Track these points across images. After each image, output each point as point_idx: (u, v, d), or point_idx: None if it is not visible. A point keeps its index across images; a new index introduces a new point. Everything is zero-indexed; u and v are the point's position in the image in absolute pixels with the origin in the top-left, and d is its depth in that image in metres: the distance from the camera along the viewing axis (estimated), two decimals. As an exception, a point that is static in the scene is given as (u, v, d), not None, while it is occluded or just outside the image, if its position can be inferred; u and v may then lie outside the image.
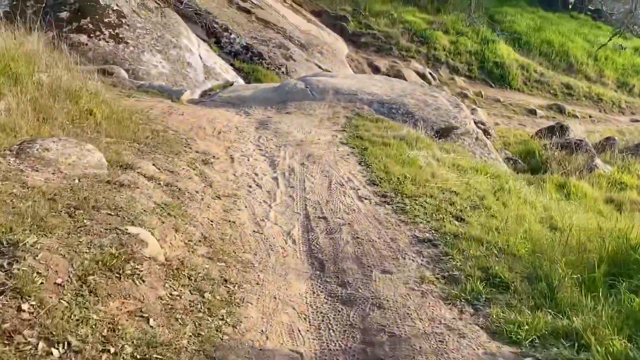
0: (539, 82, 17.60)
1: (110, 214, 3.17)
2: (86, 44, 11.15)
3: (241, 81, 12.94)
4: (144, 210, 3.46)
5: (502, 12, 20.82)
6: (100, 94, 6.52)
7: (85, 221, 2.98)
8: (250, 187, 5.12)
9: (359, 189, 5.12)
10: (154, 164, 4.70)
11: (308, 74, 10.12)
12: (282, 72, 14.42)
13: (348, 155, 6.31)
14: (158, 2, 13.40)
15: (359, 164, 5.95)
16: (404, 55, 17.00)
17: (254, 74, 13.76)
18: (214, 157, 5.83)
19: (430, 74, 16.48)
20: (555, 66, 18.62)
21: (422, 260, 3.70)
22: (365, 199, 4.89)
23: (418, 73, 16.38)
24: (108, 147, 4.62)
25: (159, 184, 4.23)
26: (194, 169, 5.08)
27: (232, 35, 14.50)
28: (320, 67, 15.15)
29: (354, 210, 4.60)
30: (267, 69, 14.26)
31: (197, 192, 4.46)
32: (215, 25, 14.49)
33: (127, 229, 2.99)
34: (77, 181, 3.57)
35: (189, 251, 3.34)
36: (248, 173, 5.54)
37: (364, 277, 3.47)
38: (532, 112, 16.13)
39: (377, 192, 5.06)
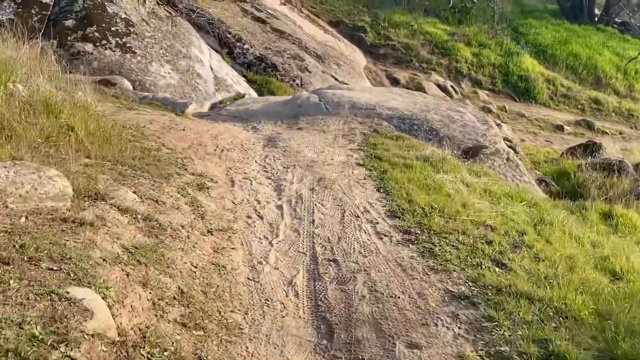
0: (566, 96, 16.63)
1: (51, 269, 2.38)
2: (91, 53, 10.51)
3: (253, 93, 12.22)
4: (103, 260, 2.67)
5: (527, 24, 19.91)
6: (90, 107, 5.79)
7: (10, 282, 2.19)
8: (249, 217, 4.32)
9: (378, 223, 4.28)
10: (135, 191, 3.92)
11: (323, 87, 9.34)
12: (297, 84, 13.68)
13: (365, 179, 5.48)
14: (169, 10, 12.77)
15: (378, 190, 5.12)
16: (424, 68, 16.17)
17: (266, 85, 13.04)
18: (211, 180, 5.05)
19: (451, 86, 15.61)
20: (583, 80, 17.63)
21: (459, 328, 2.85)
22: (385, 235, 4.05)
23: (439, 86, 15.53)
24: (81, 172, 3.86)
25: (136, 217, 3.45)
26: (184, 196, 4.30)
27: (246, 46, 13.81)
28: (336, 79, 14.39)
29: (372, 251, 3.77)
30: (280, 80, 13.55)
31: (182, 226, 3.67)
32: (228, 35, 13.83)
33: (67, 292, 2.20)
34: (22, 219, 2.80)
35: (156, 316, 2.54)
36: (249, 200, 4.74)
37: (384, 352, 2.63)
38: (559, 128, 15.16)
39: (399, 226, 4.22)
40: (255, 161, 5.93)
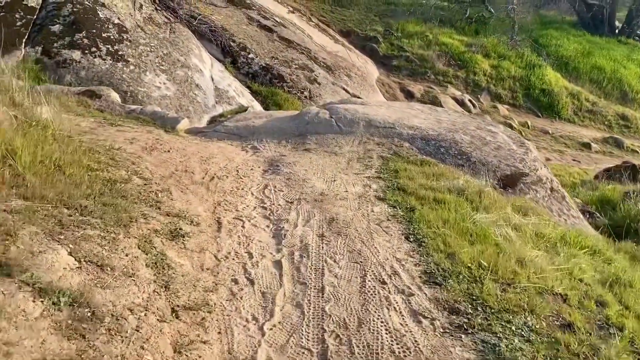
0: (591, 112, 15.37)
1: None
2: (79, 62, 9.41)
3: (257, 106, 11.07)
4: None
5: (547, 35, 18.69)
6: (50, 126, 4.64)
7: None
8: (235, 283, 3.12)
9: (412, 294, 3.06)
10: (72, 251, 2.73)
11: (334, 101, 8.14)
12: (305, 97, 12.53)
13: (388, 220, 4.27)
14: (168, 16, 11.66)
15: (406, 237, 3.90)
16: (440, 80, 14.98)
17: (272, 98, 11.91)
18: (191, 222, 3.85)
19: (469, 100, 14.41)
20: (608, 94, 16.37)
21: None
22: (425, 317, 2.83)
23: (456, 100, 14.33)
24: (-5, 224, 2.67)
25: (57, 303, 2.25)
26: (147, 253, 3.10)
27: (250, 55, 12.68)
28: (347, 92, 13.23)
29: (408, 348, 2.54)
30: (288, 92, 12.41)
31: (132, 310, 2.47)
32: (232, 44, 12.70)
33: None
34: None
35: None
36: (238, 253, 3.54)
37: None
38: (586, 146, 13.90)
39: (442, 301, 3.00)
40: (252, 193, 4.74)
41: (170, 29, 11.23)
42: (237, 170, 5.39)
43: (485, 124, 7.14)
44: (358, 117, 6.80)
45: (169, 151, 5.62)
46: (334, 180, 5.16)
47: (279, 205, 4.48)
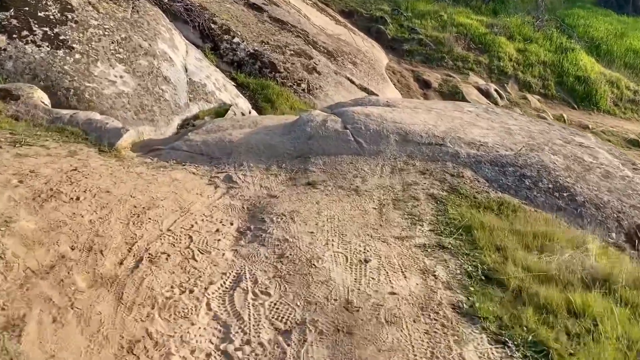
0: (633, 102, 12.96)
1: None
2: (4, 50, 6.90)
3: (243, 103, 8.60)
4: None
5: (573, 15, 16.18)
6: None
7: None
8: None
9: None
10: None
11: (345, 102, 5.66)
12: (302, 90, 10.09)
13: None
14: (131, -9, 9.11)
15: None
16: (459, 67, 12.53)
17: (262, 92, 9.47)
18: None
19: (496, 90, 11.97)
20: (647, 81, 13.94)
21: None
22: None
23: (480, 90, 11.89)
24: None
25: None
26: None
27: (236, 40, 10.17)
28: (353, 82, 10.77)
29: None
30: (281, 84, 9.97)
31: None
32: (212, 26, 10.18)
33: None
34: None
35: None
36: None
37: None
38: (634, 143, 11.50)
39: None
40: (208, 307, 2.34)
41: (132, 7, 8.68)
42: (192, 237, 2.97)
43: (570, 133, 4.72)
44: (387, 128, 4.37)
45: (77, 198, 3.20)
46: (365, 261, 2.75)
47: (260, 338, 2.06)
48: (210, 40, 9.95)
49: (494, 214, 3.38)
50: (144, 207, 3.25)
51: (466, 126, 4.47)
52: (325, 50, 11.16)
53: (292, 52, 10.49)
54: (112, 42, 7.83)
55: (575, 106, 12.41)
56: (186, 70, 8.53)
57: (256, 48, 10.12)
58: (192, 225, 3.10)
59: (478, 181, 3.81)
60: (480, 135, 4.29)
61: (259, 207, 3.43)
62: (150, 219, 3.10)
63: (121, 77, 7.54)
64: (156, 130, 7.41)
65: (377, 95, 11.10)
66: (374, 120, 4.48)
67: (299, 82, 10.17)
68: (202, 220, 3.19)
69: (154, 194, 3.49)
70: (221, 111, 7.95)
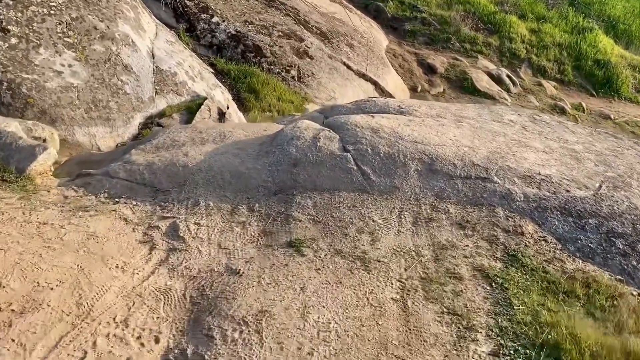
0: (656, 88, 11.59)
1: None
2: None
3: (220, 95, 7.18)
4: None
5: (587, -9, 14.66)
6: None
7: None
8: None
9: None
10: None
11: (343, 106, 4.21)
12: (292, 78, 8.67)
13: None
14: (88, -38, 7.56)
15: None
16: (467, 50, 11.11)
17: (245, 80, 8.06)
18: None
19: (508, 76, 10.58)
20: (669, 65, 12.54)
21: None
22: None
23: (491, 75, 10.50)
24: None
25: None
26: None
27: (215, 19, 8.68)
28: (349, 68, 9.35)
29: None
30: (267, 71, 8.55)
31: None
32: (188, 3, 8.68)
33: None
34: None
35: None
36: None
37: None
38: (660, 136, 10.09)
39: None
40: None
41: (89, -19, 7.17)
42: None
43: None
44: (404, 152, 3.03)
45: None
46: None
47: None
48: (186, 19, 8.47)
49: (581, 307, 2.06)
50: (13, 311, 1.89)
51: (515, 147, 3.12)
52: (318, 31, 9.70)
53: (280, 33, 9.02)
54: (60, 23, 6.37)
55: (595, 93, 11.06)
56: (153, 56, 7.08)
57: (239, 29, 8.64)
58: (84, 357, 1.75)
59: (546, 241, 2.49)
60: (537, 162, 2.95)
61: (209, 297, 2.12)
62: (6, 346, 1.74)
63: (70, 66, 6.11)
64: (112, 131, 6.01)
65: (376, 82, 9.73)
66: (385, 139, 3.13)
67: (288, 68, 8.75)
68: (107, 336, 1.84)
69: (45, 275, 2.16)
70: (193, 106, 6.55)
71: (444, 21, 11.49)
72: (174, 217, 2.82)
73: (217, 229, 2.70)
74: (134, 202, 3.00)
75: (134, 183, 3.25)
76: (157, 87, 6.66)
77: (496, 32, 11.61)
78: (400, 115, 3.58)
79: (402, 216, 2.66)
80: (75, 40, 6.37)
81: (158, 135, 3.85)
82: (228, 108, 6.57)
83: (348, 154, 3.08)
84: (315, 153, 3.10)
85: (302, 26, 9.46)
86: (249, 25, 8.79)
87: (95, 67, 6.27)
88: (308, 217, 2.71)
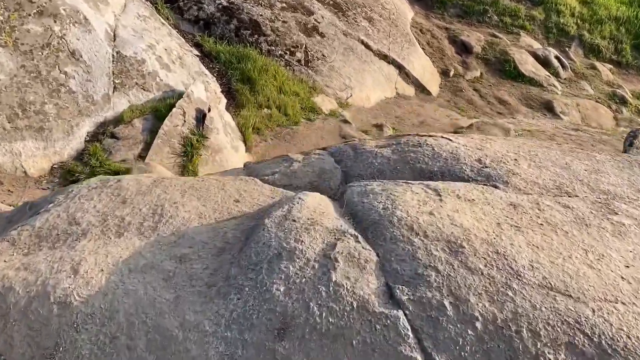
0: None
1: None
2: None
3: (202, 91, 5.36)
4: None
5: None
6: None
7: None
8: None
9: None
10: None
11: (370, 154, 2.34)
12: (298, 62, 6.82)
13: None
14: None
15: None
16: (507, 24, 9.14)
17: (239, 66, 6.23)
18: None
19: (557, 58, 8.62)
20: None
21: None
22: None
23: (536, 56, 8.57)
24: None
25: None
26: None
27: (202, -14, 6.76)
28: (369, 47, 7.46)
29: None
30: (267, 53, 6.71)
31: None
32: (169, -34, 6.75)
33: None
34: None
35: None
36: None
37: None
38: None
39: None
40: None
41: None
42: None
43: None
44: (529, 319, 1.26)
45: None
46: None
47: None
48: (165, -13, 6.59)
49: None
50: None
51: None
52: (331, 2, 7.77)
53: (283, 4, 7.12)
54: (-21, -6, 4.56)
55: (658, 78, 9.08)
56: (114, 38, 5.25)
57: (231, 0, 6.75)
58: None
59: None
60: None
61: None
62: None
63: (-10, 54, 4.33)
64: (46, 147, 4.26)
65: (400, 65, 7.79)
66: (480, 276, 1.43)
67: (292, 49, 6.89)
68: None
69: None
70: (162, 108, 4.77)
71: (480, -10, 9.46)
72: None
73: None
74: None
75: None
76: (116, 81, 4.88)
77: (540, 3, 9.57)
78: (488, 189, 1.81)
79: None
80: (1, 18, 4.57)
81: (51, 207, 2.11)
82: (210, 111, 4.79)
83: (399, 312, 1.33)
84: (325, 305, 1.39)
85: (311, -5, 7.53)
86: (245, -5, 6.88)
87: (27, 56, 4.49)
88: None
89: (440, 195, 1.76)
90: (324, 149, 2.55)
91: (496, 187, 1.88)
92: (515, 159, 2.09)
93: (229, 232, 1.85)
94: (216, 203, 2.08)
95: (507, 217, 1.66)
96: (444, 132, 7.45)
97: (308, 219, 1.70)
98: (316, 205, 1.80)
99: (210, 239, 1.84)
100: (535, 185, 1.90)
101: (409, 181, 1.95)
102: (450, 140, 2.22)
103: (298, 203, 1.79)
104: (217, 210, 2.04)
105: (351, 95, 6.83)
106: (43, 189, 3.97)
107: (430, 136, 2.28)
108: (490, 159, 2.07)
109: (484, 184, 1.91)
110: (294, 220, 1.69)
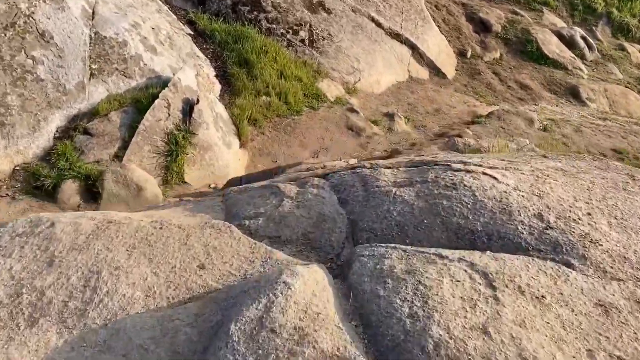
0: None
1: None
2: None
3: (192, 78, 4.71)
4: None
5: None
6: None
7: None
8: None
9: None
10: None
11: (384, 195, 1.71)
12: (301, 42, 6.12)
13: None
14: None
15: None
16: (529, 0, 8.31)
17: (236, 46, 5.55)
18: None
19: (582, 38, 7.85)
20: None
21: None
22: None
23: (561, 36, 7.80)
24: None
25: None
26: None
27: (196, -44, 6.03)
28: (380, 26, 6.74)
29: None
30: (267, 32, 6.01)
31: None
32: None
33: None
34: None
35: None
36: None
37: None
38: None
39: None
40: None
41: None
42: None
43: None
44: None
45: None
46: None
47: None
48: (155, -44, 5.86)
49: None
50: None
51: None
52: (339, -26, 7.01)
53: (286, -23, 6.38)
54: None
55: (691, 61, 8.29)
56: (92, 16, 4.59)
57: (228, -29, 6.03)
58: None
59: None
60: None
61: None
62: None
63: (-58, 36, 3.70)
64: (8, 145, 3.67)
65: (414, 44, 7.02)
66: None
67: (295, 27, 6.19)
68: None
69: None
70: (144, 98, 4.13)
71: (500, -39, 8.60)
72: None
73: None
74: None
75: None
76: (92, 67, 4.24)
77: (566, -24, 8.72)
78: (561, 271, 1.20)
79: None
80: (-43, -7, 3.92)
81: None
82: (198, 102, 4.16)
83: None
84: None
85: (316, -33, 6.76)
86: (244, -34, 6.14)
87: (-13, 38, 3.85)
88: None
89: (494, 288, 1.17)
90: (324, 176, 1.94)
91: (570, 265, 1.29)
92: (589, 213, 1.48)
93: (182, 331, 1.27)
94: (173, 270, 1.50)
95: (600, 333, 1.07)
96: (461, 120, 6.77)
97: (295, 328, 1.11)
98: (309, 298, 1.21)
99: (153, 341, 1.26)
100: (625, 263, 1.30)
101: (443, 251, 1.35)
102: (497, 179, 1.61)
103: (282, 294, 1.20)
104: (172, 283, 1.46)
105: (359, 80, 6.15)
106: (1, 195, 3.39)
107: (468, 172, 1.66)
108: (555, 213, 1.46)
109: (552, 260, 1.31)
110: (273, 331, 1.11)
